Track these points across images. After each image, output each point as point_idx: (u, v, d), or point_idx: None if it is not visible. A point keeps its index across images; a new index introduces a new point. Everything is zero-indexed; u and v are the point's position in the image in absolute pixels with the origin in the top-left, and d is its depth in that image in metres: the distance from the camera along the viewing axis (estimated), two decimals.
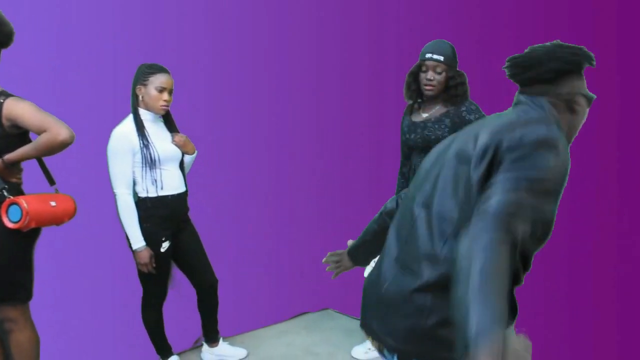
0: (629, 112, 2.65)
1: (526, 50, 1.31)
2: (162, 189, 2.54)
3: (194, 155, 2.74)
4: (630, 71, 2.63)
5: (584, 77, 1.31)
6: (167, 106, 2.55)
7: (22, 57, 2.38)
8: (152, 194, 2.53)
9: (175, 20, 3.16)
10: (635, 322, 2.56)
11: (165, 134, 2.62)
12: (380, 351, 1.40)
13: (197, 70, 3.23)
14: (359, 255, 1.81)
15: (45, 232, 2.28)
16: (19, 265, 2.18)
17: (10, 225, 2.07)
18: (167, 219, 2.59)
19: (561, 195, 1.17)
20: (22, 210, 2.06)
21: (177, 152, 2.62)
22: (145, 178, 2.51)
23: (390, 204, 1.67)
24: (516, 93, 1.35)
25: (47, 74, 2.73)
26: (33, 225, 2.11)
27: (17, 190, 2.17)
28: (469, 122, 2.50)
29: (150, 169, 2.50)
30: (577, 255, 2.76)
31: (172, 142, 2.61)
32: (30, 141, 2.18)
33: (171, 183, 2.58)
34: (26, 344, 2.27)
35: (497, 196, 1.08)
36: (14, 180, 2.16)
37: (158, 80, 2.50)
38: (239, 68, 3.39)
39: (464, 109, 2.53)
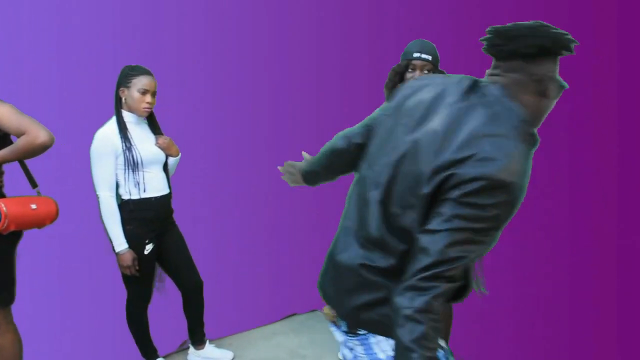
0: (629, 112, 2.65)
1: (509, 24, 1.26)
2: (145, 191, 2.54)
3: (178, 157, 2.74)
4: (631, 71, 2.63)
5: (559, 65, 1.27)
6: (150, 108, 2.54)
7: (6, 58, 2.37)
8: (135, 196, 2.52)
9: (163, 22, 3.15)
10: (635, 322, 2.56)
11: (149, 136, 2.62)
12: (334, 320, 1.46)
13: (182, 71, 3.22)
14: (309, 180, 1.86)
15: (27, 235, 2.27)
16: None
17: None
18: (151, 221, 2.58)
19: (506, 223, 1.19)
20: (1, 213, 2.05)
21: (161, 155, 2.62)
22: (128, 180, 2.50)
23: (340, 143, 1.62)
24: (487, 72, 1.30)
25: (32, 75, 2.72)
26: (13, 229, 2.10)
27: None
28: None
29: (133, 172, 2.49)
30: (577, 255, 2.76)
31: (155, 145, 2.61)
32: (10, 144, 2.17)
33: (154, 185, 2.58)
34: (9, 347, 2.27)
35: (441, 242, 1.12)
36: None
37: (141, 82, 2.49)
38: (228, 69, 3.38)
39: None
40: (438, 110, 1.25)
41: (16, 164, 2.27)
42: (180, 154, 2.74)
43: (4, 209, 2.05)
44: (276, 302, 3.54)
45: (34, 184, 2.33)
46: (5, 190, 2.23)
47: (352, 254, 1.34)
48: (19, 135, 2.06)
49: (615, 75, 2.64)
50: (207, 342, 2.97)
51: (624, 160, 2.67)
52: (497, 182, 1.09)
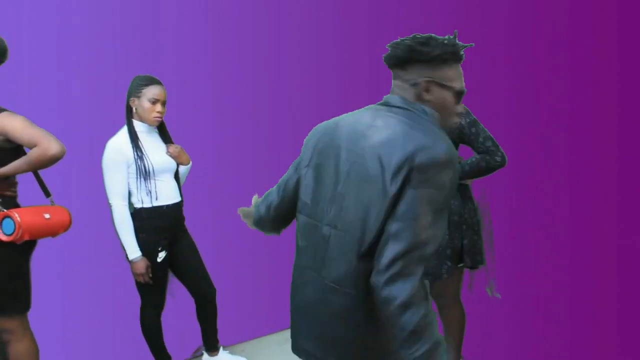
0: (630, 112, 2.60)
1: (404, 38, 1.39)
2: (157, 199, 2.57)
3: (189, 165, 2.76)
4: (631, 71, 2.58)
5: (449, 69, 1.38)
6: (160, 118, 2.57)
7: (19, 69, 2.43)
8: (147, 204, 2.55)
9: (173, 32, 3.19)
10: (635, 322, 2.51)
11: (160, 145, 2.65)
12: None
13: (193, 80, 3.25)
14: (261, 228, 1.89)
15: (42, 243, 2.31)
16: (14, 276, 2.22)
17: (4, 238, 2.11)
18: (163, 229, 2.61)
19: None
20: (15, 224, 2.09)
21: (172, 163, 2.64)
22: (140, 189, 2.53)
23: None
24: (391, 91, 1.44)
25: (45, 86, 2.78)
26: (27, 238, 2.14)
27: (11, 203, 2.21)
28: (461, 126, 2.46)
29: (144, 180, 2.53)
30: (577, 255, 2.71)
31: (166, 153, 2.64)
32: (24, 155, 2.22)
33: (166, 193, 2.61)
34: (25, 354, 2.31)
35: (412, 226, 1.20)
36: (8, 193, 2.20)
37: (151, 92, 2.52)
38: (236, 78, 3.41)
39: None
40: (363, 131, 1.36)
41: (30, 173, 2.32)
42: (191, 163, 2.76)
43: (18, 219, 2.10)
44: (289, 308, 3.54)
45: (47, 194, 2.38)
46: (19, 199, 2.28)
47: (326, 300, 1.38)
48: (31, 147, 2.10)
49: (615, 75, 2.59)
50: (221, 348, 2.98)
51: (624, 160, 2.62)
52: (444, 161, 1.23)
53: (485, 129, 2.49)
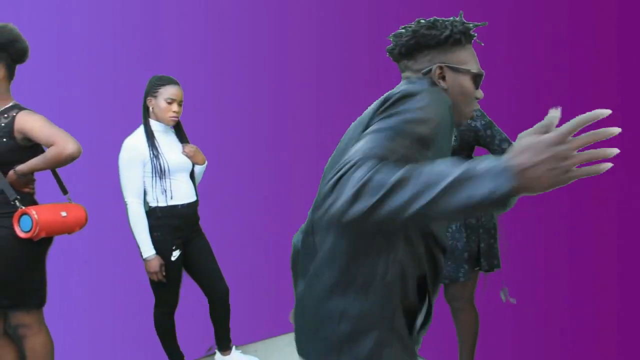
0: (630, 113, 2.56)
1: (406, 25, 1.27)
2: (172, 198, 2.58)
3: (204, 165, 2.78)
4: (631, 71, 2.54)
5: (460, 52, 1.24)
6: (177, 117, 2.59)
7: (38, 70, 2.47)
8: (162, 203, 2.57)
9: (190, 31, 3.22)
10: (635, 322, 2.46)
11: (176, 145, 2.67)
12: None
13: (210, 80, 3.27)
14: None
15: (58, 239, 2.35)
16: (31, 272, 2.25)
17: (21, 234, 2.14)
18: (178, 228, 2.63)
19: (440, 149, 1.07)
20: (32, 221, 2.13)
21: (187, 163, 2.66)
22: (155, 188, 2.55)
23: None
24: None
25: (63, 87, 2.82)
26: (43, 235, 2.17)
27: (29, 201, 2.24)
28: (475, 129, 2.44)
29: (160, 179, 2.54)
30: (579, 256, 2.68)
31: (182, 153, 2.65)
32: (42, 152, 2.26)
33: (181, 193, 2.62)
34: (41, 348, 2.34)
35: (359, 145, 0.98)
36: (26, 190, 2.24)
37: (167, 92, 2.54)
38: (252, 78, 3.42)
39: None
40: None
41: (48, 171, 2.35)
42: (206, 162, 2.78)
43: (36, 216, 2.13)
44: None
45: (64, 191, 2.41)
46: (37, 196, 2.32)
47: (312, 293, 1.19)
48: (48, 145, 2.14)
49: (615, 75, 2.54)
50: (234, 348, 2.99)
51: (625, 161, 2.58)
52: (410, 92, 1.07)
53: (502, 131, 2.46)
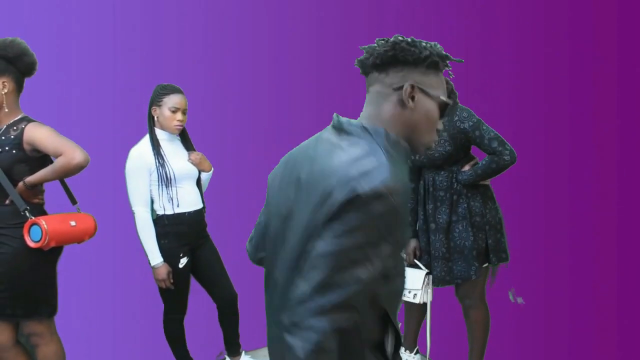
0: (629, 113, 2.56)
1: (383, 38, 1.22)
2: (178, 206, 2.61)
3: (211, 172, 2.81)
4: (631, 72, 2.54)
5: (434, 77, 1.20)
6: (181, 126, 2.62)
7: (44, 80, 2.51)
8: (169, 211, 2.60)
9: (194, 42, 3.26)
10: (635, 322, 2.46)
11: (182, 152, 2.70)
12: None
13: (215, 88, 3.30)
14: None
15: (68, 249, 2.38)
16: (42, 282, 2.28)
17: (31, 244, 2.18)
18: (185, 236, 2.65)
19: (399, 237, 1.09)
20: (42, 231, 2.16)
21: (193, 170, 2.69)
22: (162, 196, 2.58)
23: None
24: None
25: (70, 97, 2.87)
26: (53, 245, 2.21)
27: (39, 211, 2.28)
28: (465, 130, 2.47)
29: (166, 187, 2.58)
30: (578, 258, 2.68)
31: (188, 160, 2.69)
32: (50, 163, 2.30)
33: (188, 200, 2.65)
34: (53, 357, 2.37)
35: (315, 278, 1.03)
36: (35, 201, 2.28)
37: (172, 100, 2.58)
38: (255, 86, 3.45)
39: (456, 118, 2.50)
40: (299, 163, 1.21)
41: (57, 181, 2.39)
42: (212, 169, 2.81)
43: (45, 226, 2.16)
44: None
45: (73, 201, 2.45)
46: (47, 206, 2.36)
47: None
48: (56, 156, 2.18)
49: (615, 76, 2.55)
50: (243, 353, 3.01)
51: (624, 160, 2.58)
52: (360, 195, 1.03)
53: (490, 129, 2.49)
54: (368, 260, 1.04)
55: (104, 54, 2.99)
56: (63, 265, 2.38)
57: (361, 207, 1.03)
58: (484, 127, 2.49)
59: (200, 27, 3.28)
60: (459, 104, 2.53)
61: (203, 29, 3.29)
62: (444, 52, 1.20)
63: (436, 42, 1.21)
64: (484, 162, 2.50)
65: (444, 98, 1.20)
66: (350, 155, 1.10)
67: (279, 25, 3.46)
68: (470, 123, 2.48)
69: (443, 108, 1.21)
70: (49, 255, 2.28)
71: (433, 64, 1.18)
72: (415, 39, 1.19)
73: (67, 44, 2.91)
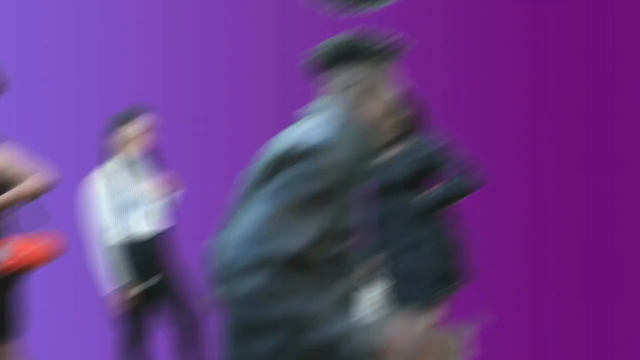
0: (629, 113, 2.64)
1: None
2: (134, 232, 2.64)
3: (175, 194, 2.85)
4: (631, 72, 2.64)
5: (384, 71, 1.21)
6: (144, 149, 2.68)
7: (16, 100, 2.51)
8: (124, 238, 2.62)
9: (167, 64, 3.27)
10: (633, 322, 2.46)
11: (140, 178, 2.72)
12: None
13: (183, 107, 3.32)
14: None
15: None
16: (6, 304, 2.28)
17: None
18: (140, 263, 2.67)
19: (348, 193, 1.05)
20: (7, 253, 2.18)
21: (151, 197, 2.71)
22: (118, 223, 2.61)
23: None
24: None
25: (39, 119, 2.88)
26: (20, 267, 2.22)
27: (5, 233, 2.29)
28: (430, 155, 2.44)
29: (121, 214, 2.60)
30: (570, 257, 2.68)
31: (146, 187, 2.70)
32: (16, 186, 2.31)
33: (143, 227, 2.67)
34: None
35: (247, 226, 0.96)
36: (1, 223, 2.29)
37: (128, 129, 2.63)
38: (230, 99, 3.46)
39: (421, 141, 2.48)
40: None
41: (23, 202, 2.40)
42: (178, 191, 2.85)
43: (11, 248, 2.18)
44: None
45: (43, 221, 2.45)
46: (12, 229, 2.36)
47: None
48: (21, 179, 2.20)
49: (614, 76, 2.64)
50: None
51: (624, 161, 2.63)
52: (308, 151, 1.02)
53: (453, 156, 2.44)
54: (295, 226, 0.97)
55: (76, 76, 2.99)
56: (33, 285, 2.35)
57: (291, 164, 1.00)
58: (447, 154, 2.42)
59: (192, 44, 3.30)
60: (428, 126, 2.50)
61: (195, 45, 3.31)
62: (396, 43, 1.19)
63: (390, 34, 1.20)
64: (441, 190, 2.41)
65: (390, 95, 1.19)
66: (303, 127, 1.09)
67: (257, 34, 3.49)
68: (436, 147, 2.43)
69: (390, 106, 1.21)
70: (14, 277, 2.28)
71: (386, 56, 1.18)
72: (370, 33, 1.18)
73: (43, 60, 2.91)
